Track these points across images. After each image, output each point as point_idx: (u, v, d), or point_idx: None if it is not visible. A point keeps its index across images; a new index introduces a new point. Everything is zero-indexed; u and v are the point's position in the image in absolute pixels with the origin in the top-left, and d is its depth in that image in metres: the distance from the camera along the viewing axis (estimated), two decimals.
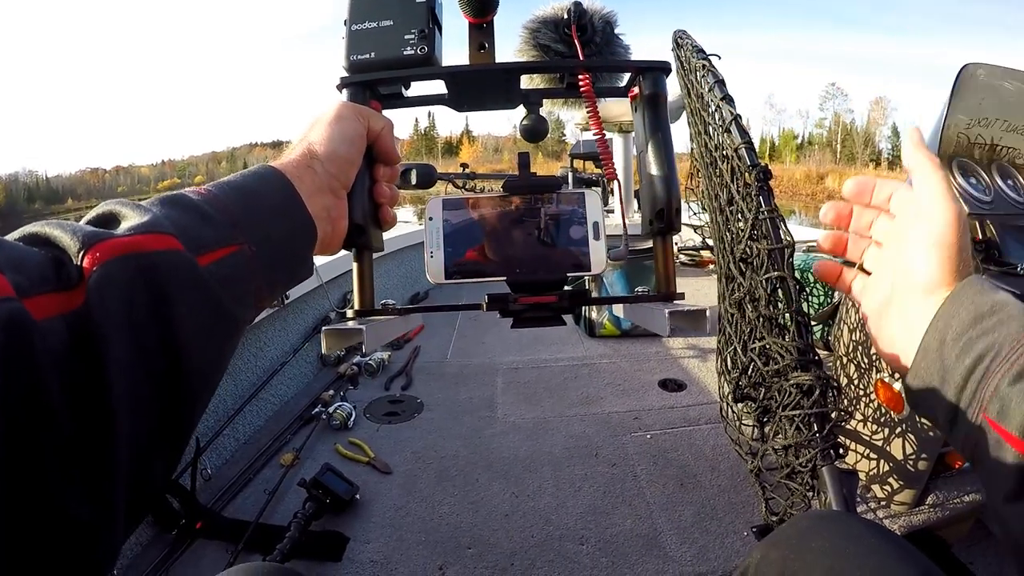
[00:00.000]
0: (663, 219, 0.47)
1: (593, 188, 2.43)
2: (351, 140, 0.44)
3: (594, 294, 2.31)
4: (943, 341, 0.35)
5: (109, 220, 0.31)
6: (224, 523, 1.24)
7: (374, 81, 0.51)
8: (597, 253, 0.50)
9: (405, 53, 0.49)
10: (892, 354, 0.40)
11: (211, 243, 0.32)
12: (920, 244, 0.38)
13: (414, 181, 1.64)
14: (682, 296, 0.49)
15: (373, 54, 0.50)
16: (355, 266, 0.52)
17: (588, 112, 0.54)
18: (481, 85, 0.54)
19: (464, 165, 3.50)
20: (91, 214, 0.32)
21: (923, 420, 0.96)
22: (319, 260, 2.01)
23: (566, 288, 0.49)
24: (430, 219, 0.51)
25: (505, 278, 0.49)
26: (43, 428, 0.23)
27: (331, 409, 1.70)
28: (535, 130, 0.54)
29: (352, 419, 1.69)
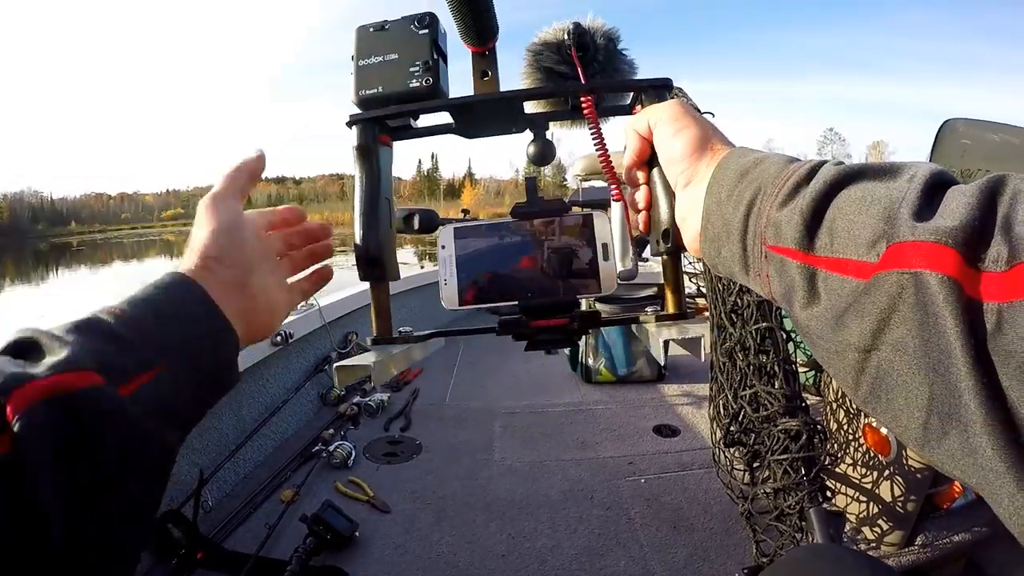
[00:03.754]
0: (668, 239, 0.46)
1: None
2: (228, 231, 0.42)
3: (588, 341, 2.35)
4: (720, 201, 0.37)
5: (29, 349, 0.31)
6: (225, 554, 1.25)
7: (382, 116, 0.51)
8: (607, 273, 0.50)
9: (411, 85, 0.50)
10: (692, 242, 0.43)
11: (132, 370, 0.32)
12: (664, 138, 0.43)
13: (416, 226, 1.71)
14: (690, 315, 0.51)
15: (380, 88, 0.51)
16: (372, 295, 0.52)
17: (591, 133, 0.54)
18: (486, 113, 0.55)
19: (465, 211, 3.60)
20: (10, 340, 0.32)
21: (910, 463, 1.01)
22: (323, 300, 2.03)
23: (576, 311, 0.50)
24: (442, 247, 0.51)
25: (517, 302, 0.50)
26: None
27: (331, 448, 1.72)
28: (543, 154, 0.55)
29: (352, 458, 1.71)
